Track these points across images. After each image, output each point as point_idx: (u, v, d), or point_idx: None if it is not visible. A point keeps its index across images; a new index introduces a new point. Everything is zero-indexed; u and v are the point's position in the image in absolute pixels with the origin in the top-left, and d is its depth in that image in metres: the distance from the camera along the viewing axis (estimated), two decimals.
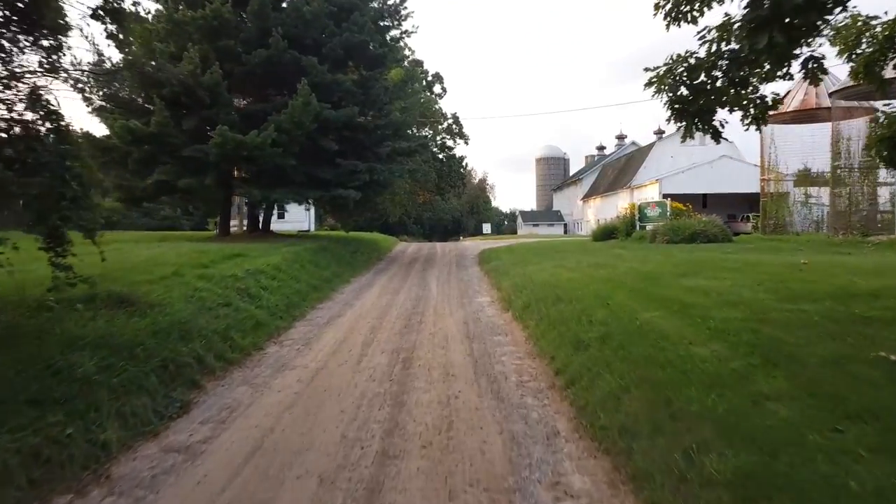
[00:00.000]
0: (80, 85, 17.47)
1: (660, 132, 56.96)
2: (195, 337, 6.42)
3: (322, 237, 22.86)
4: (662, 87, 5.15)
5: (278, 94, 19.45)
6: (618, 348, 5.12)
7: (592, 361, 5.10)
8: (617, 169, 57.39)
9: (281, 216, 37.20)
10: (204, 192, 17.69)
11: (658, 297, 6.90)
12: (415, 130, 26.02)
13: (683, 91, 5.25)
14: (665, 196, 40.32)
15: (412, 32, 20.41)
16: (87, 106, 17.03)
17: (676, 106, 5.35)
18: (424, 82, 73.90)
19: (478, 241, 39.32)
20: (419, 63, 73.70)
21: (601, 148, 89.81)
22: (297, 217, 37.01)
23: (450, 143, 77.08)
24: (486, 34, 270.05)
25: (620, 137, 76.64)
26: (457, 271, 17.13)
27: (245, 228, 24.71)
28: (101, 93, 16.94)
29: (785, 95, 24.77)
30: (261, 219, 22.09)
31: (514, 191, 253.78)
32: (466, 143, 76.09)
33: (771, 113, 6.03)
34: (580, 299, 7.41)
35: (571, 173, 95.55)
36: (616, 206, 52.09)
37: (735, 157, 42.74)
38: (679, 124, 5.66)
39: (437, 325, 8.68)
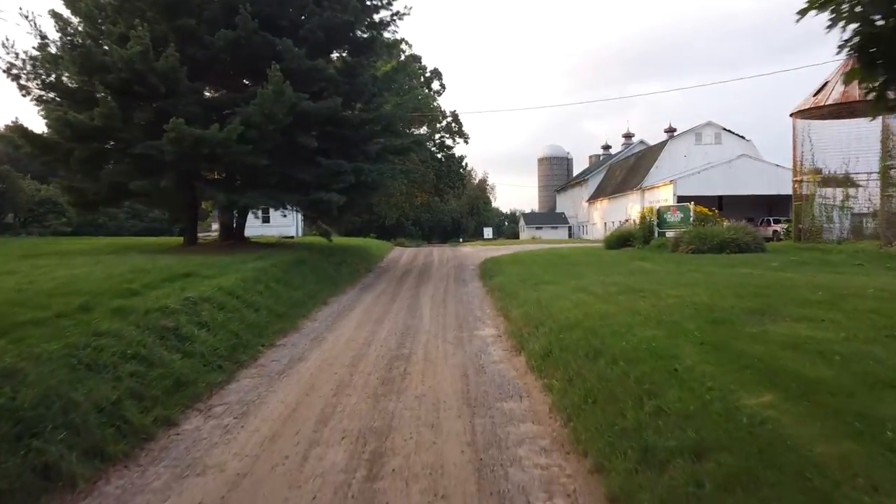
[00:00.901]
0: (14, 70, 15.51)
1: (671, 130, 54.96)
2: (55, 426, 4.31)
3: (304, 245, 20.76)
4: (839, 14, 2.91)
5: (252, 83, 17.38)
6: (731, 482, 3.00)
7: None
8: (625, 169, 55.31)
9: (266, 220, 35.10)
10: (162, 196, 15.59)
11: (748, 359, 4.78)
12: (409, 127, 23.80)
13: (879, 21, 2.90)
14: (680, 199, 38.31)
15: (404, 14, 18.26)
16: (25, 95, 15.04)
17: (869, 49, 2.97)
18: (422, 78, 72.22)
19: (478, 247, 37.20)
20: (417, 58, 72.08)
21: (606, 147, 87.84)
22: (284, 221, 34.85)
23: (449, 141, 75.34)
24: (486, 32, 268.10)
25: (628, 136, 74.58)
26: (455, 288, 15.02)
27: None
28: (38, 81, 14.96)
29: (821, 88, 22.79)
30: (239, 225, 19.97)
31: (514, 191, 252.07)
32: (466, 141, 74.51)
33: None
34: (629, 356, 5.28)
35: (575, 174, 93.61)
36: (625, 208, 50.10)
37: (754, 156, 40.61)
38: (868, 83, 3.14)
39: (426, 379, 6.56)
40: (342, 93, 16.96)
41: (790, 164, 24.21)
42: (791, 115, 22.29)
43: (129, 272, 10.07)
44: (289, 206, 18.71)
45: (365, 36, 18.07)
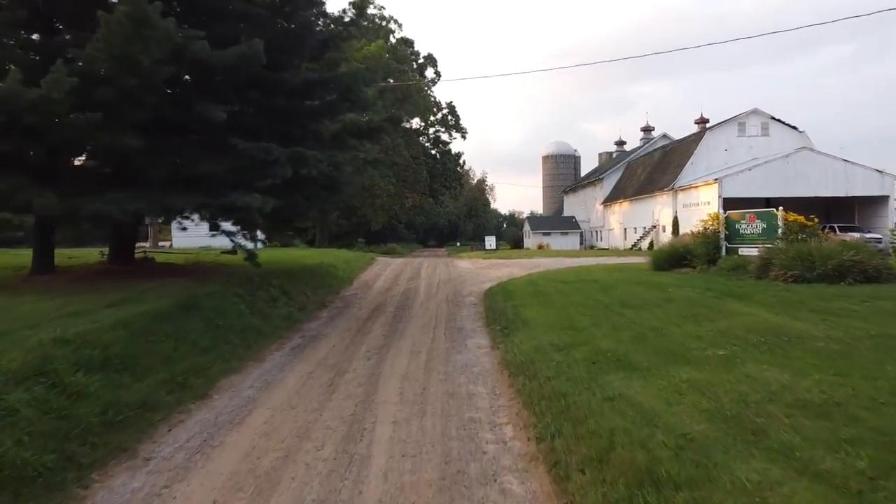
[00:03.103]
0: None
1: (703, 121, 49.66)
2: None
3: (233, 270, 15.26)
4: None
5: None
6: None
7: None
8: (649, 167, 49.96)
9: (214, 227, 29.42)
10: None
11: None
12: (379, 99, 18.08)
13: None
14: (727, 201, 32.93)
15: None
16: None
17: None
18: (415, 65, 66.96)
19: (479, 262, 31.66)
20: (408, 42, 66.97)
21: (621, 143, 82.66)
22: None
23: (444, 136, 70.06)
24: (485, 25, 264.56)
25: (647, 130, 69.31)
26: (446, 353, 9.46)
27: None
28: None
29: None
30: (124, 241, 14.44)
31: (514, 191, 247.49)
32: (464, 136, 69.16)
33: None
34: None
35: (583, 173, 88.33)
36: (651, 212, 44.74)
37: (815, 149, 35.21)
38: None
39: None
40: (273, 39, 11.51)
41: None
42: None
43: None
44: (190, 215, 13.15)
45: None
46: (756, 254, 16.72)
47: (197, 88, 10.92)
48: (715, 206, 33.85)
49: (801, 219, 16.29)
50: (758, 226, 17.05)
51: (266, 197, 11.27)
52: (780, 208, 16.57)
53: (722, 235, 18.00)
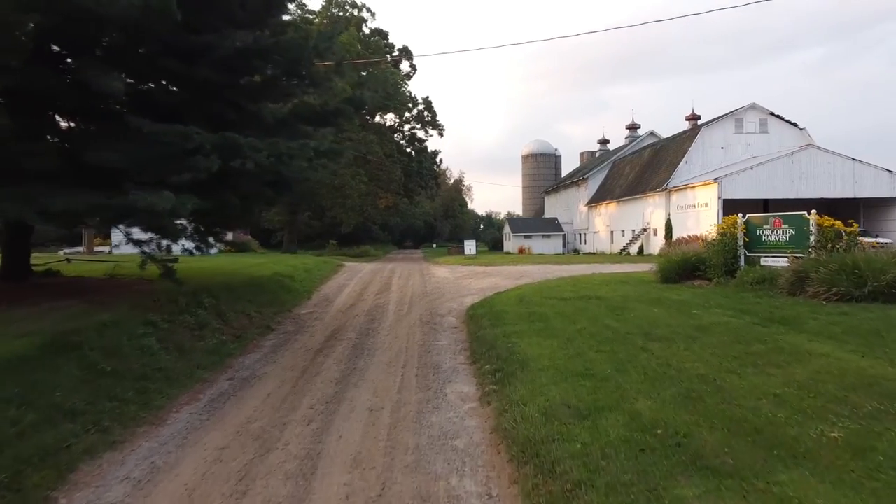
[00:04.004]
0: None
1: (694, 118, 47.98)
2: None
3: (153, 284, 12.67)
4: None
5: None
6: None
7: None
8: (639, 166, 48.09)
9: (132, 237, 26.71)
10: None
11: None
12: (340, 76, 15.50)
13: None
14: (727, 203, 31.05)
15: None
16: None
17: None
18: (389, 57, 64.46)
19: (457, 269, 29.32)
20: (382, 33, 64.49)
21: (604, 142, 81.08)
22: None
23: (420, 133, 67.62)
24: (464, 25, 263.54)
25: (633, 128, 67.71)
26: (416, 415, 7.02)
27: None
28: None
29: None
30: (14, 250, 11.78)
31: (492, 191, 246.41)
32: (441, 133, 66.84)
33: None
34: None
35: (564, 173, 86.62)
36: (642, 214, 42.83)
37: (821, 147, 33.50)
38: None
39: None
40: None
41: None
42: None
43: None
44: (86, 220, 10.57)
45: None
46: (784, 265, 14.65)
47: (84, 51, 8.41)
48: (714, 208, 32.02)
49: (839, 224, 14.20)
50: (784, 232, 14.94)
51: (186, 196, 8.80)
52: (814, 211, 14.46)
53: (741, 243, 15.88)
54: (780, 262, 14.92)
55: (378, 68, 56.34)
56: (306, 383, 8.30)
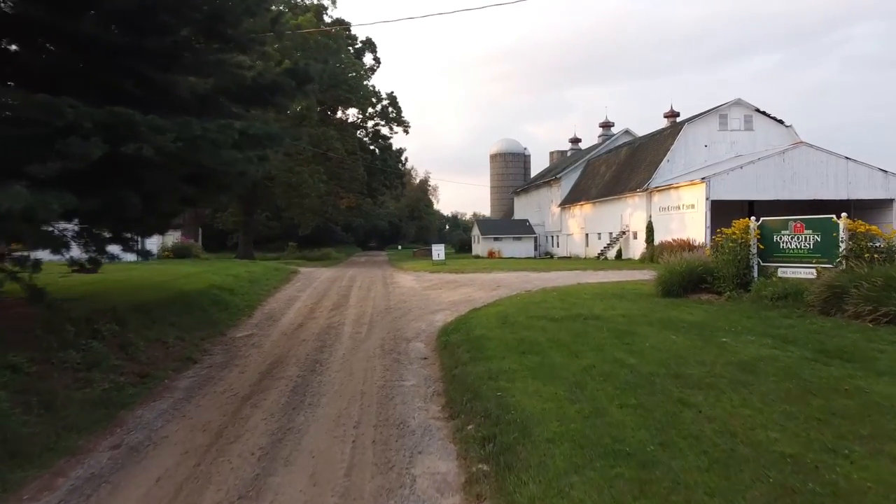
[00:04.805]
0: None
1: (673, 114, 46.61)
2: None
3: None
4: None
5: None
6: None
7: None
8: (615, 165, 46.53)
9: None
10: None
11: None
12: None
13: None
14: (715, 204, 29.50)
15: None
16: None
17: None
18: (352, 49, 61.96)
19: (424, 277, 27.10)
20: (344, 23, 61.89)
21: (576, 141, 79.84)
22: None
23: (385, 130, 65.19)
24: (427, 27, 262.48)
25: (606, 126, 66.51)
26: None
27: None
28: None
29: None
30: None
31: (458, 191, 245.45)
32: (406, 130, 64.38)
33: None
34: None
35: (534, 174, 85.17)
36: (620, 216, 41.19)
37: (814, 145, 32.15)
38: None
39: None
40: None
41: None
42: None
43: None
44: None
45: None
46: (807, 277, 12.84)
47: None
48: (701, 210, 30.45)
49: (875, 229, 12.42)
50: (808, 238, 13.12)
51: (53, 193, 6.43)
52: (844, 215, 12.67)
53: (754, 251, 14.04)
54: (802, 273, 13.14)
55: (338, 58, 53.84)
56: (218, 456, 5.99)
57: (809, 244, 13.11)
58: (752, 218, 14.36)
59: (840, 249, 12.40)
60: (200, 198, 10.38)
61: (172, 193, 8.86)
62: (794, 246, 13.43)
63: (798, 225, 13.37)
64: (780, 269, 13.67)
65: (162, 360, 9.79)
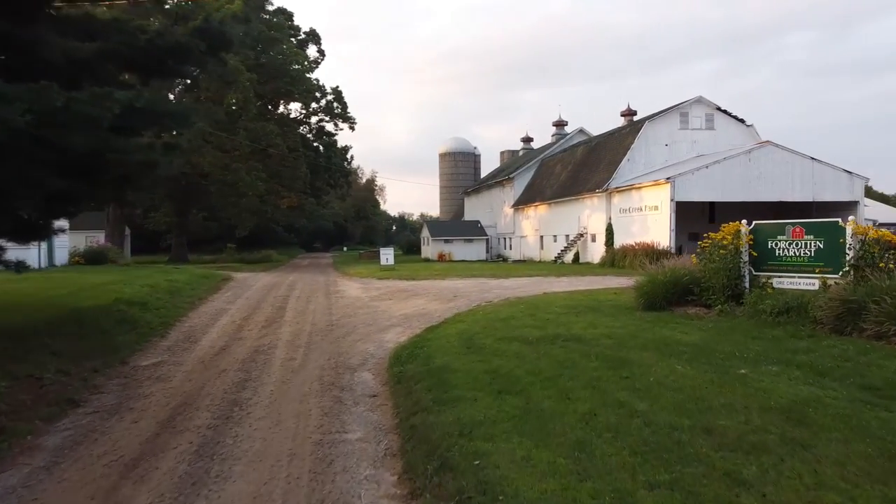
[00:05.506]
0: None
1: (630, 113, 45.86)
2: None
3: None
4: None
5: None
6: None
7: None
8: (571, 164, 45.50)
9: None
10: None
11: None
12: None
13: None
14: (679, 205, 28.50)
15: None
16: None
17: None
18: (295, 40, 59.38)
19: (374, 286, 25.17)
20: (287, 13, 59.26)
21: (528, 140, 79.02)
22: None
23: (329, 127, 62.74)
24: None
25: (560, 125, 65.74)
26: None
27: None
28: None
29: None
30: None
31: (403, 191, 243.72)
32: (352, 128, 62.05)
33: None
34: None
35: (484, 174, 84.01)
36: (578, 218, 40.07)
37: (780, 145, 31.54)
38: None
39: None
40: None
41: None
42: None
43: None
44: None
45: None
46: (809, 288, 11.53)
47: None
48: (665, 212, 29.46)
49: (888, 234, 11.17)
50: (808, 244, 11.81)
51: None
52: (851, 218, 11.43)
53: (745, 258, 12.68)
54: (802, 283, 11.84)
55: (279, 50, 51.33)
56: None
57: (810, 251, 11.80)
58: (744, 221, 12.99)
59: (847, 257, 11.10)
60: (83, 195, 8.25)
61: (33, 188, 6.76)
62: (791, 253, 12.11)
63: (797, 229, 12.05)
64: (775, 280, 12.35)
65: (30, 406, 7.64)
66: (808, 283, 11.70)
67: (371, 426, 7.04)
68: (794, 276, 12.04)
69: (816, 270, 11.59)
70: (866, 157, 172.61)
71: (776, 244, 12.38)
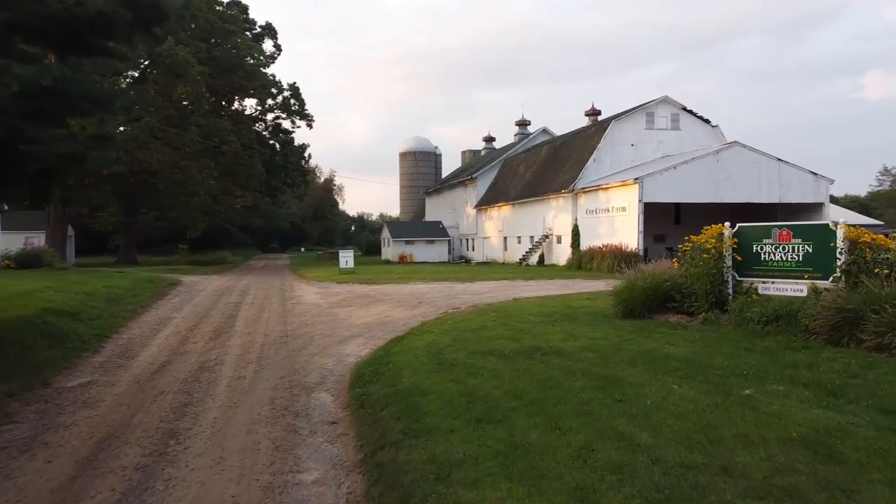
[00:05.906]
0: None
1: (594, 112, 45.58)
2: None
3: None
4: None
5: None
6: None
7: None
8: (535, 164, 45.02)
9: None
10: None
11: None
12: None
13: None
14: (648, 206, 28.14)
15: None
16: None
17: None
18: (250, 34, 57.71)
19: (333, 291, 24.08)
20: (241, 6, 57.54)
21: (490, 139, 78.55)
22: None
23: (286, 124, 61.11)
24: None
25: (523, 124, 65.26)
26: None
27: None
28: None
29: None
30: None
31: (362, 190, 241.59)
32: (310, 125, 60.43)
33: None
34: None
35: (445, 174, 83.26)
36: (543, 219, 39.55)
37: (748, 146, 31.46)
38: None
39: None
40: None
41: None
42: None
43: None
44: None
45: None
46: (798, 294, 10.98)
47: None
48: (634, 213, 29.08)
49: (882, 238, 10.68)
50: (796, 248, 11.26)
51: None
52: (843, 220, 10.90)
53: (728, 263, 12.10)
54: (789, 290, 11.29)
55: (232, 40, 49.67)
56: None
57: (798, 255, 11.25)
58: (727, 224, 12.40)
59: (838, 262, 10.57)
60: None
61: None
62: (778, 258, 11.55)
63: (784, 232, 11.49)
64: (760, 285, 11.78)
65: None
66: (796, 289, 11.14)
67: (330, 463, 6.10)
68: (780, 282, 11.48)
69: (805, 276, 11.05)
70: (819, 161, 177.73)
71: (762, 248, 11.81)
